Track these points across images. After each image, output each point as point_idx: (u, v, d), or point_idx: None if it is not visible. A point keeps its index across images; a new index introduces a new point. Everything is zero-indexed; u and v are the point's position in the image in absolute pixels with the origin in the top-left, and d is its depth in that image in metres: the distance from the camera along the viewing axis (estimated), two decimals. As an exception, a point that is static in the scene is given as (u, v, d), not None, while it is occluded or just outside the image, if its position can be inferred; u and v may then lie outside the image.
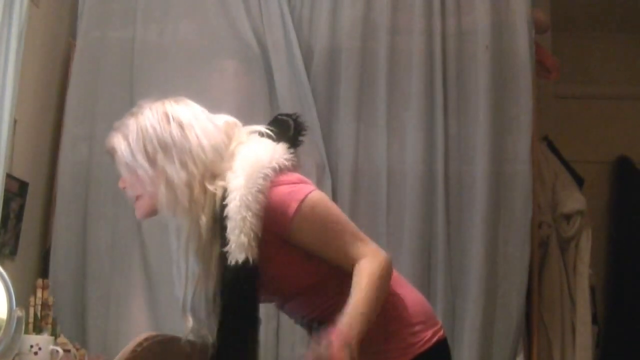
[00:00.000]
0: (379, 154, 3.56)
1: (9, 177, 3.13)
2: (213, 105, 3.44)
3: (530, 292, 3.49)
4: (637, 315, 4.72)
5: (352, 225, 2.16)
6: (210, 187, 2.13)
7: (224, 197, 2.12)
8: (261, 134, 2.28)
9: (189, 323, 2.20)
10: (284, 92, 3.59)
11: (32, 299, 2.94)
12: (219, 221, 2.12)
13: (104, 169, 3.55)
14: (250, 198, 2.07)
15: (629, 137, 5.08)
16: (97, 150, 3.60)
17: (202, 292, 2.18)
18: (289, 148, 2.24)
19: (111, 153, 2.26)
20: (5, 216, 3.14)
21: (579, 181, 4.00)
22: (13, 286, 2.38)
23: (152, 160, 2.15)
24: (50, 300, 3.01)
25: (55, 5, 3.72)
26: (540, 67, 3.75)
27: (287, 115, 2.40)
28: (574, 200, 3.82)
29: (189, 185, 2.12)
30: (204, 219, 2.13)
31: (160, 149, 2.15)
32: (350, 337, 1.97)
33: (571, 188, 3.88)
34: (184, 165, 2.13)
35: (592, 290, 3.86)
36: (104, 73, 3.70)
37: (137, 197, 2.25)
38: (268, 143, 2.24)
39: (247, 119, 3.47)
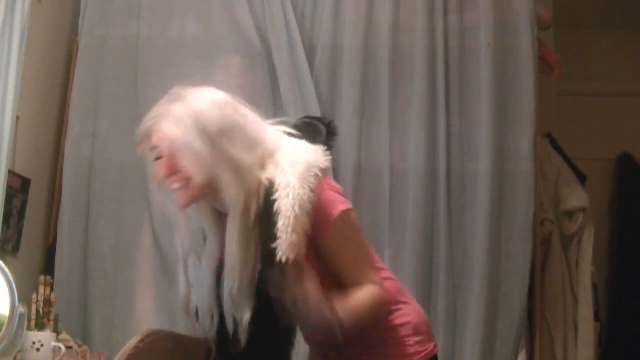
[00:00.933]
0: (381, 152, 3.56)
1: (12, 173, 3.13)
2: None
3: (533, 289, 3.49)
4: (639, 313, 4.72)
5: (372, 253, 2.21)
6: (262, 177, 2.07)
7: (269, 191, 2.07)
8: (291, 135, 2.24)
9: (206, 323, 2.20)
10: (286, 89, 3.59)
11: (34, 296, 2.95)
12: (268, 217, 2.07)
13: (107, 166, 3.55)
14: (305, 198, 2.04)
15: (631, 134, 5.08)
16: (100, 147, 3.61)
17: (232, 285, 2.12)
18: (325, 151, 2.20)
19: (155, 142, 2.11)
20: (8, 213, 3.14)
21: (582, 178, 3.99)
22: (15, 283, 2.38)
23: (214, 143, 2.04)
24: (53, 297, 3.01)
25: (58, 2, 3.72)
26: (543, 65, 3.74)
27: (317, 118, 2.39)
28: (576, 198, 3.82)
29: (251, 171, 2.06)
30: (253, 209, 2.07)
31: (223, 132, 2.05)
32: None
33: (574, 185, 3.88)
34: (248, 149, 2.07)
35: (594, 287, 3.86)
36: (107, 70, 3.71)
37: (184, 185, 2.10)
38: (308, 144, 2.19)
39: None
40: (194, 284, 2.23)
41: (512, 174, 3.52)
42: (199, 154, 2.05)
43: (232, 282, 2.11)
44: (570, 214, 3.80)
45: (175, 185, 2.11)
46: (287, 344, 2.21)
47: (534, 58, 3.58)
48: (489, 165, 3.49)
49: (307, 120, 2.37)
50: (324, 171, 2.14)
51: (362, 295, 2.10)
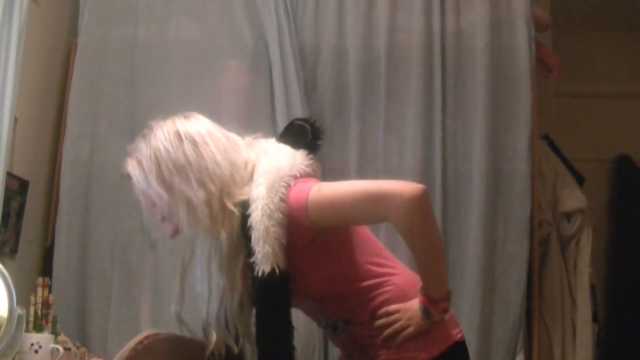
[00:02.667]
0: (377, 152, 3.56)
1: (10, 175, 3.13)
2: (214, 105, 3.46)
3: (531, 290, 3.49)
4: (637, 314, 4.72)
5: (363, 186, 2.13)
6: (228, 204, 2.13)
7: (246, 208, 2.12)
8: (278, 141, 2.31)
9: (212, 337, 2.21)
10: (281, 92, 3.59)
11: (32, 298, 2.94)
12: (242, 233, 2.13)
13: (105, 167, 3.54)
14: (272, 207, 2.08)
15: (629, 136, 5.08)
16: (98, 148, 3.60)
17: (227, 303, 2.19)
18: (308, 154, 2.26)
19: (127, 179, 2.25)
20: (6, 214, 3.14)
21: (580, 180, 4.00)
22: (13, 284, 2.38)
23: (168, 185, 2.15)
24: (51, 299, 3.01)
25: (56, 3, 3.72)
26: (541, 66, 3.74)
27: (304, 120, 2.43)
28: (574, 199, 3.82)
29: (208, 204, 2.13)
30: (224, 234, 2.14)
31: (175, 171, 2.14)
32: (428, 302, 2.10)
33: (572, 186, 3.88)
34: (201, 184, 2.13)
35: (593, 288, 3.87)
36: (105, 71, 3.70)
37: (162, 219, 2.26)
38: (287, 151, 2.25)
39: (248, 119, 3.50)
40: (213, 298, 2.25)
41: (508, 175, 3.52)
42: (158, 195, 2.17)
43: (224, 306, 2.21)
44: (568, 216, 3.80)
45: (158, 217, 2.27)
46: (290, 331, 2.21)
47: (530, 59, 3.58)
48: (484, 166, 3.49)
49: (295, 122, 2.42)
50: (304, 175, 2.18)
51: (409, 239, 2.10)
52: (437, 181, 3.50)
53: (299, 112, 3.50)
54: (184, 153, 2.15)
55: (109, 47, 3.72)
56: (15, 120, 3.04)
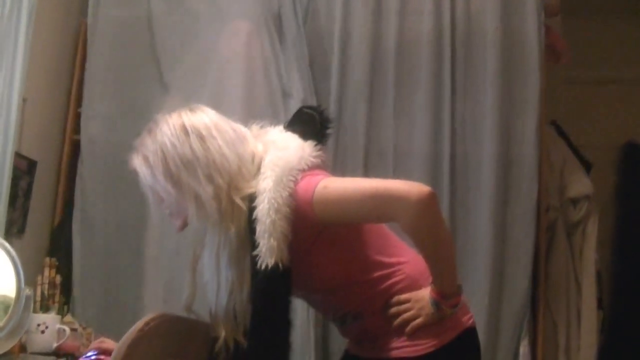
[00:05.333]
0: (387, 135, 3.56)
1: (18, 155, 3.14)
2: (226, 69, 3.44)
3: (537, 276, 3.49)
4: (642, 300, 4.73)
5: (371, 186, 2.09)
6: (236, 198, 2.11)
7: (253, 201, 2.10)
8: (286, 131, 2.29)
9: (221, 332, 2.19)
10: (291, 56, 3.59)
11: (39, 278, 2.96)
12: (249, 226, 2.10)
13: (120, 147, 3.54)
14: (280, 201, 2.05)
15: (637, 122, 5.06)
16: (114, 128, 3.60)
17: (237, 298, 2.16)
18: (316, 145, 2.23)
19: (135, 174, 2.23)
20: (14, 194, 3.14)
21: (587, 166, 3.99)
22: (21, 265, 2.39)
23: (176, 180, 2.12)
24: (57, 279, 3.02)
25: (66, -16, 3.72)
26: (551, 52, 3.73)
27: (312, 108, 2.41)
28: (581, 185, 3.82)
29: (217, 198, 2.10)
30: (233, 229, 2.12)
31: (183, 167, 2.11)
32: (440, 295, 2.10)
33: (579, 173, 3.88)
34: (209, 178, 2.11)
35: (598, 275, 3.87)
36: (118, 51, 3.69)
37: (170, 214, 2.25)
38: (296, 142, 2.22)
39: (258, 82, 3.47)
40: (222, 292, 2.23)
41: (517, 159, 3.52)
42: (166, 190, 2.15)
43: (233, 300, 2.18)
44: (575, 202, 3.81)
45: (166, 212, 2.25)
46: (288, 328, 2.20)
47: (539, 43, 3.57)
48: (493, 150, 3.50)
49: (304, 109, 2.40)
50: (312, 167, 2.16)
51: (418, 238, 2.09)
52: (446, 165, 3.50)
53: (306, 77, 3.53)
54: (191, 147, 2.12)
55: (121, 26, 3.71)
56: (24, 100, 3.05)
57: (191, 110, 2.22)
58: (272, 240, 2.04)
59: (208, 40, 3.63)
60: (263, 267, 2.04)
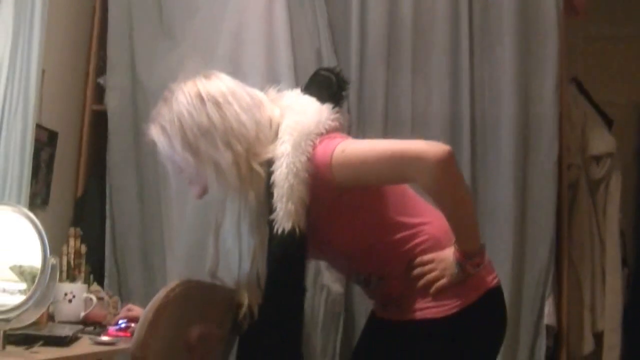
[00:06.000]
0: (405, 99, 3.54)
1: (39, 127, 3.14)
2: (243, 31, 3.40)
3: (560, 234, 3.49)
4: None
5: (389, 147, 2.08)
6: (254, 164, 2.11)
7: (271, 166, 2.10)
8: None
9: (244, 299, 2.19)
10: (312, 20, 3.56)
11: (64, 248, 2.98)
12: (267, 191, 2.11)
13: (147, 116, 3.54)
14: (298, 166, 2.05)
15: (659, 79, 5.01)
16: (140, 99, 3.60)
17: (259, 264, 2.17)
18: (333, 107, 2.22)
19: (153, 145, 2.23)
20: (36, 166, 3.16)
21: (609, 123, 3.97)
22: (46, 235, 2.40)
23: (194, 149, 2.12)
24: (83, 249, 3.04)
25: (82, -46, 3.71)
26: (568, 7, 3.69)
27: (329, 70, 2.39)
28: (603, 142, 3.80)
29: (236, 165, 2.10)
30: (252, 194, 2.12)
31: (201, 135, 2.11)
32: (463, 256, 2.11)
33: (600, 129, 3.86)
34: (227, 145, 2.10)
35: (622, 233, 3.86)
36: (135, 22, 3.68)
37: (189, 182, 2.25)
38: (313, 106, 2.21)
39: (277, 47, 3.41)
40: (245, 259, 2.24)
41: (536, 119, 3.50)
42: (184, 159, 2.15)
43: (255, 267, 2.19)
44: (598, 159, 3.79)
45: (186, 180, 2.27)
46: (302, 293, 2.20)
47: (557, 1, 3.54)
48: (513, 110, 3.48)
49: (321, 71, 2.39)
50: (330, 130, 2.15)
51: (438, 198, 2.10)
52: (466, 126, 3.48)
53: (327, 41, 3.53)
54: (208, 115, 2.12)
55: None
56: (43, 72, 3.05)
57: (206, 77, 2.21)
58: (289, 204, 2.04)
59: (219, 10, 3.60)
60: (280, 231, 2.05)
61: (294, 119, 2.15)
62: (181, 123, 2.13)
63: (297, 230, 2.05)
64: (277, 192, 2.07)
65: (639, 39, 5.04)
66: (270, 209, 2.09)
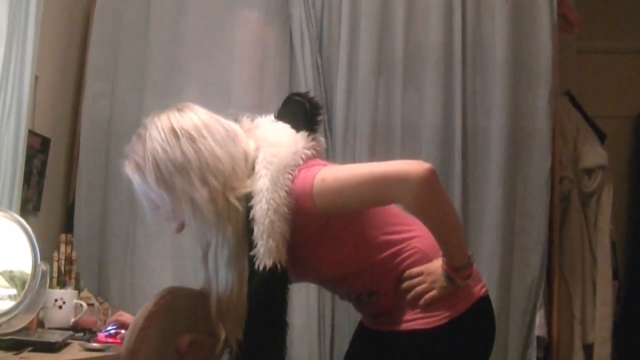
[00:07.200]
0: (396, 108, 3.54)
1: (31, 133, 3.14)
2: (233, 56, 3.45)
3: (551, 246, 3.49)
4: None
5: (369, 171, 2.06)
6: (231, 198, 2.08)
7: (249, 201, 2.08)
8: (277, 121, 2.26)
9: (222, 333, 2.17)
10: (299, 44, 3.58)
11: (55, 254, 2.97)
12: (246, 227, 2.08)
13: (125, 124, 3.55)
14: (278, 201, 2.03)
15: (652, 93, 5.03)
16: (117, 106, 3.62)
17: (237, 299, 2.14)
18: (308, 135, 2.20)
19: (128, 181, 2.19)
20: (28, 172, 3.16)
21: (601, 136, 3.97)
22: (37, 241, 2.40)
23: (169, 186, 2.08)
24: (74, 255, 3.03)
25: (76, -39, 3.71)
26: (563, 22, 3.70)
27: (301, 95, 2.35)
28: (595, 155, 3.80)
29: (213, 201, 2.06)
30: (230, 230, 2.09)
31: (175, 171, 2.07)
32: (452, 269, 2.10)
33: (593, 143, 3.86)
34: (203, 181, 2.06)
35: (613, 245, 3.86)
36: (124, 28, 3.70)
37: (167, 218, 2.20)
38: (287, 135, 2.18)
39: (264, 71, 3.47)
40: (221, 292, 2.20)
41: (529, 132, 3.50)
42: (159, 197, 2.11)
43: (233, 301, 2.15)
44: (589, 172, 3.79)
45: (163, 216, 2.21)
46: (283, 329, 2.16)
47: (551, 14, 3.55)
48: (505, 123, 3.48)
49: (293, 97, 2.35)
50: (306, 160, 2.13)
51: (423, 216, 2.10)
52: (457, 138, 3.48)
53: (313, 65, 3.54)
54: (182, 151, 2.07)
55: (127, 3, 3.72)
56: (36, 78, 3.05)
57: (179, 110, 2.16)
58: (270, 241, 2.02)
59: (213, 25, 3.63)
60: (261, 268, 2.03)
61: (269, 152, 2.12)
62: (155, 160, 2.08)
63: (278, 266, 2.03)
64: (257, 229, 2.04)
65: (632, 53, 5.06)
66: (250, 245, 2.07)
